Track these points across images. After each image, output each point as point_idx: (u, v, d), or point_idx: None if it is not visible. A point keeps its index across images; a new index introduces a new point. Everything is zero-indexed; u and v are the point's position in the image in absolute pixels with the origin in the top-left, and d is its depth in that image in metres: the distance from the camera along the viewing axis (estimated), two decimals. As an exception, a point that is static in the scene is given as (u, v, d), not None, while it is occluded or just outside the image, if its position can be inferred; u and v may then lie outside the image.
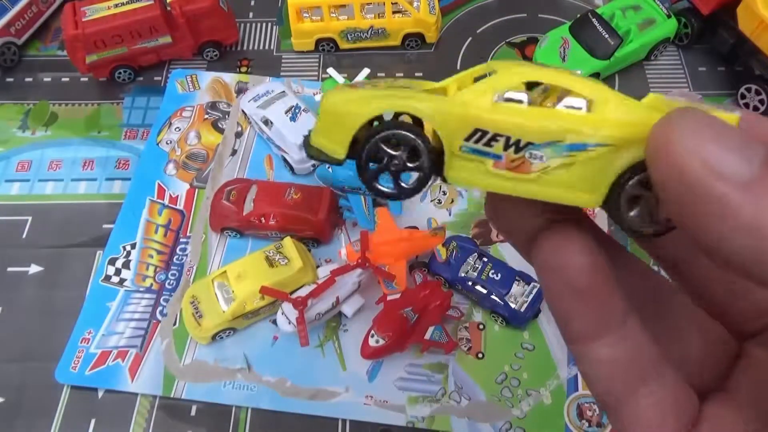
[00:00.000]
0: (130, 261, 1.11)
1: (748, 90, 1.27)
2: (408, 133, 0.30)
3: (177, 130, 1.27)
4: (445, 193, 1.19)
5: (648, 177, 0.27)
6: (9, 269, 1.12)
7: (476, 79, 0.32)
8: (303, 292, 0.98)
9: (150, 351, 1.02)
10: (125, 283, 1.09)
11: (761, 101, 1.25)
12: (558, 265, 0.30)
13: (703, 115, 0.24)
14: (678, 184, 0.24)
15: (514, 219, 0.34)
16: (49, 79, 1.37)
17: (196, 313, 1.01)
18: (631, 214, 0.29)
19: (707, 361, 0.36)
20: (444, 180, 0.32)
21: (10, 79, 1.37)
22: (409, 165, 0.31)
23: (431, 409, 0.97)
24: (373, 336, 0.97)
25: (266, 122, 1.19)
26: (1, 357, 1.03)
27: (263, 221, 1.08)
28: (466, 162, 0.30)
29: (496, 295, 1.03)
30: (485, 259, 1.06)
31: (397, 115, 0.31)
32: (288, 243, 1.05)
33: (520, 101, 0.30)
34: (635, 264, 0.37)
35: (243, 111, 1.24)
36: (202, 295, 1.02)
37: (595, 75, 1.30)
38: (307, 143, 0.33)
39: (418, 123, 0.31)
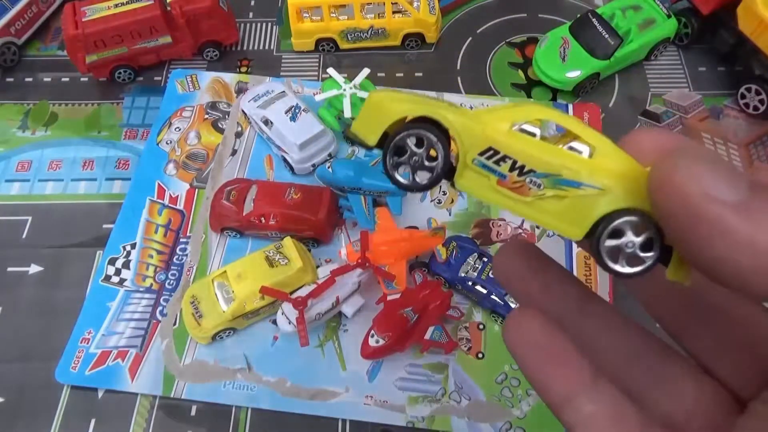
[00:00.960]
0: (130, 261, 1.11)
1: (748, 90, 1.27)
2: (432, 135, 0.35)
3: (177, 130, 1.27)
4: (445, 194, 1.19)
5: (624, 224, 0.33)
6: (9, 269, 1.12)
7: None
8: (303, 292, 0.98)
9: (150, 351, 1.02)
10: (125, 283, 1.09)
11: (761, 101, 1.25)
12: (520, 340, 0.36)
13: (698, 152, 0.29)
14: (681, 212, 0.28)
15: (512, 275, 0.42)
16: (49, 79, 1.37)
17: (196, 313, 1.01)
18: (607, 244, 0.33)
19: (702, 413, 0.39)
20: (453, 185, 0.36)
21: (10, 79, 1.37)
22: (427, 164, 0.36)
23: (431, 409, 0.97)
24: (373, 336, 0.97)
25: (266, 122, 1.19)
26: (1, 357, 1.03)
27: (263, 221, 1.08)
28: (475, 174, 0.35)
29: (496, 295, 1.03)
30: (485, 259, 1.06)
31: (427, 122, 0.35)
32: (288, 243, 1.05)
33: (533, 134, 0.35)
34: (629, 325, 0.43)
35: (243, 111, 1.24)
36: (202, 295, 1.02)
37: (595, 75, 1.30)
38: (347, 128, 0.39)
39: (444, 135, 0.35)
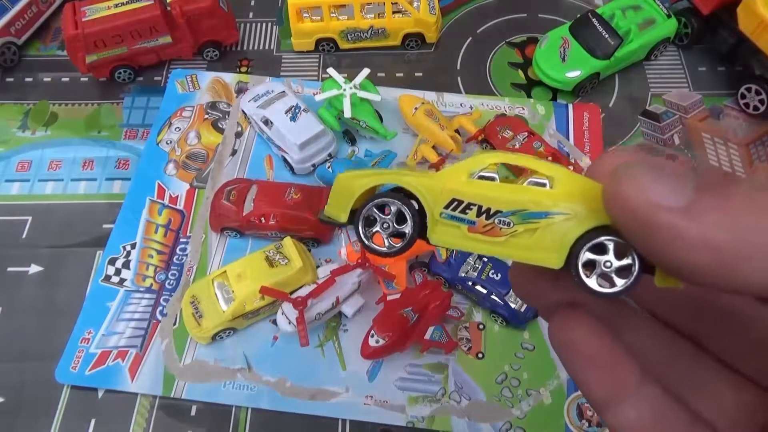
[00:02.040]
0: (130, 261, 1.11)
1: (748, 90, 1.27)
2: (395, 200, 0.37)
3: (177, 130, 1.27)
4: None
5: (599, 243, 0.33)
6: (9, 269, 1.12)
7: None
8: (303, 292, 0.98)
9: (150, 351, 1.02)
10: (125, 283, 1.09)
11: (761, 101, 1.25)
12: (566, 342, 0.36)
13: (641, 162, 0.30)
14: (634, 223, 0.29)
15: (531, 291, 0.41)
16: (49, 79, 1.37)
17: (196, 313, 1.01)
18: (588, 275, 0.34)
19: (743, 418, 0.38)
20: (427, 242, 0.38)
21: (10, 79, 1.37)
22: (398, 227, 0.38)
23: (431, 409, 0.97)
24: (373, 336, 0.97)
25: (266, 122, 1.19)
26: (1, 357, 1.03)
27: (263, 221, 1.08)
28: (445, 227, 0.37)
29: (496, 295, 1.03)
30: (485, 259, 1.06)
31: (394, 190, 0.38)
32: (288, 243, 1.05)
33: (492, 178, 0.37)
34: (659, 327, 0.41)
35: (243, 111, 1.25)
36: (202, 295, 1.02)
37: (595, 75, 1.30)
38: (321, 213, 0.42)
39: (412, 198, 0.37)
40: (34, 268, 1.12)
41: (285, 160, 1.19)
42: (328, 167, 1.13)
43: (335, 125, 1.21)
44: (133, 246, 1.12)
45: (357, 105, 1.19)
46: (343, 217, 0.39)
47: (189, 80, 1.34)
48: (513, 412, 0.97)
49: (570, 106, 1.30)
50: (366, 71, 1.21)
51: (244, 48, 1.43)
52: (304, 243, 1.09)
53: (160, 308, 1.06)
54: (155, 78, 1.37)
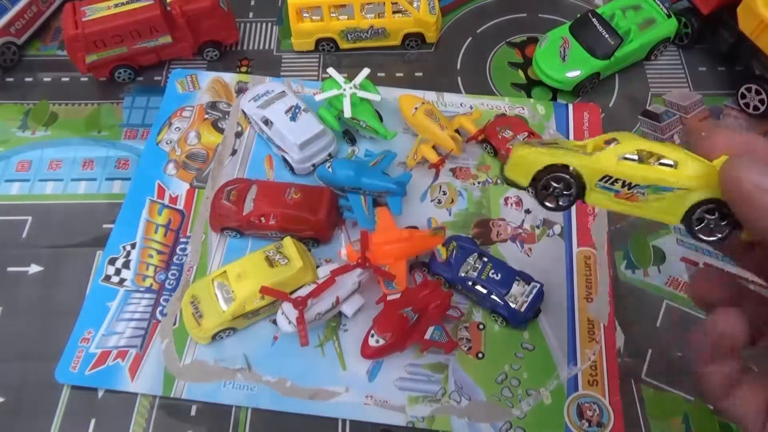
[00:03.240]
0: (130, 261, 1.11)
1: (748, 90, 1.27)
2: (567, 176, 0.56)
3: (177, 129, 1.27)
4: (445, 193, 1.19)
5: (705, 210, 0.52)
6: (9, 269, 1.12)
7: (606, 142, 0.57)
8: (303, 292, 0.98)
9: (150, 351, 1.02)
10: (125, 283, 1.09)
11: (761, 101, 1.25)
12: (721, 330, 0.51)
13: (751, 158, 0.46)
14: (741, 200, 0.46)
15: (709, 290, 0.56)
16: (49, 79, 1.37)
17: (196, 313, 1.01)
18: (698, 228, 0.54)
19: None
20: (584, 202, 0.57)
21: (10, 79, 1.37)
22: (565, 192, 0.57)
23: (431, 409, 0.97)
24: (373, 336, 0.97)
25: (266, 122, 1.19)
26: (1, 357, 1.03)
27: (263, 221, 1.08)
28: (598, 193, 0.56)
29: (496, 295, 1.03)
30: (485, 259, 1.06)
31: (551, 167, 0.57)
32: (288, 243, 1.05)
33: (634, 159, 0.54)
34: None
35: (243, 111, 1.25)
36: (202, 295, 1.02)
37: (595, 75, 1.30)
38: (502, 173, 0.64)
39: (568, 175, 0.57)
40: (34, 268, 1.12)
41: (285, 160, 1.19)
42: (328, 167, 1.13)
43: (335, 125, 1.21)
44: (133, 246, 1.12)
45: (357, 105, 1.19)
46: (525, 183, 0.58)
47: (189, 80, 1.34)
48: (513, 412, 0.97)
49: (570, 106, 1.30)
50: (366, 71, 1.21)
51: (244, 48, 1.43)
52: (304, 243, 1.09)
53: (160, 308, 1.06)
54: (155, 78, 1.37)
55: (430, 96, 1.30)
